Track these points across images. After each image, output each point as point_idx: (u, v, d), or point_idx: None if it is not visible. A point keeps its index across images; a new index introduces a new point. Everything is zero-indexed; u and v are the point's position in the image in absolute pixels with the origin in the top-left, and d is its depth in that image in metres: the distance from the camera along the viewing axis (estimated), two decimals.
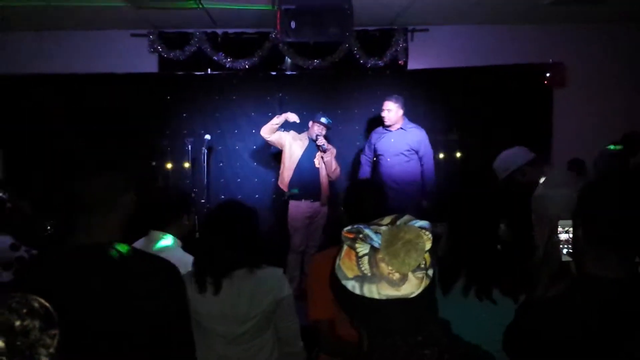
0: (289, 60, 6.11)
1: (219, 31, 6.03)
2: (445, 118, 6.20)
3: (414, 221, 1.11)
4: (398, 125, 5.28)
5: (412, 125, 5.35)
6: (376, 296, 1.08)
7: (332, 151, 5.38)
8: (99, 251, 1.51)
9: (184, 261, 2.30)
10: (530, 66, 6.22)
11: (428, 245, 1.08)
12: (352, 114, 6.19)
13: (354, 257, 1.10)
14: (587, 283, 1.35)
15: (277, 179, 5.61)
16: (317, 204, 5.29)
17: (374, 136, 5.45)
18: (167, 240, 2.58)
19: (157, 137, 6.09)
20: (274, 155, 6.06)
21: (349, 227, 1.13)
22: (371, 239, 1.09)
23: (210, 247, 2.12)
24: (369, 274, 1.08)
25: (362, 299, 1.09)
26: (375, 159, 5.45)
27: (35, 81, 5.91)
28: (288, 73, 6.18)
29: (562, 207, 2.59)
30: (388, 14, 5.73)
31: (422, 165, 5.30)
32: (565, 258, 1.51)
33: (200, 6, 5.05)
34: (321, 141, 5.23)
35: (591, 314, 1.29)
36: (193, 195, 5.89)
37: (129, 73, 6.01)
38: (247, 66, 6.04)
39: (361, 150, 5.72)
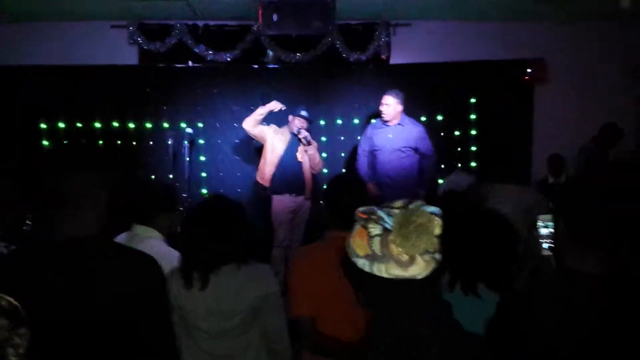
0: (271, 53, 6.07)
1: (200, 23, 5.97)
2: (427, 113, 6.22)
3: (426, 206, 1.16)
4: (396, 121, 5.20)
5: (409, 121, 5.28)
6: (385, 275, 1.13)
7: (314, 144, 5.36)
8: (76, 246, 1.48)
9: (170, 256, 2.26)
10: (511, 62, 6.27)
11: (438, 231, 1.14)
12: (334, 108, 6.18)
13: (365, 237, 1.16)
14: (567, 277, 1.36)
15: (256, 174, 5.56)
16: (300, 198, 5.27)
17: (371, 129, 5.38)
18: (151, 234, 2.54)
19: (138, 130, 6.01)
20: (257, 149, 6.02)
21: (362, 208, 1.19)
22: (384, 221, 1.14)
23: (198, 242, 2.09)
24: (379, 254, 1.13)
25: (371, 276, 1.14)
26: (371, 152, 5.36)
27: (12, 73, 5.80)
28: (270, 66, 6.15)
29: None
30: (371, 8, 5.72)
31: (422, 160, 5.27)
32: (546, 252, 1.52)
33: None
34: (304, 134, 5.21)
35: (570, 309, 1.30)
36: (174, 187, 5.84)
37: (109, 65, 5.93)
38: (228, 59, 5.99)
39: (354, 148, 5.65)
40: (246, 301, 2.08)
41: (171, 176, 5.87)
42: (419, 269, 1.13)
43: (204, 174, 6.14)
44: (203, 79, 6.08)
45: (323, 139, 6.06)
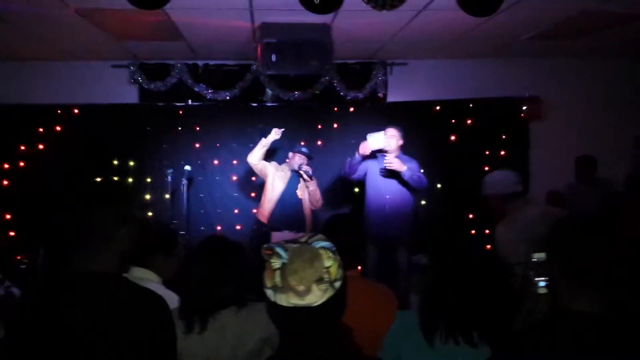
0: (269, 91, 6.15)
1: (200, 63, 6.06)
2: (423, 150, 6.27)
3: (318, 242, 1.33)
4: (396, 154, 5.21)
5: (406, 158, 5.27)
6: (285, 304, 1.27)
7: (314, 181, 5.39)
8: (93, 281, 1.51)
9: (168, 299, 2.23)
10: (507, 100, 6.35)
11: (328, 263, 1.28)
12: (332, 146, 6.22)
13: (271, 270, 1.30)
14: (562, 317, 1.35)
15: (256, 212, 5.56)
16: (300, 234, 5.24)
17: (373, 162, 5.31)
18: (148, 277, 2.46)
19: (137, 168, 6.04)
20: (255, 186, 6.05)
21: (266, 245, 1.33)
22: (280, 256, 1.29)
23: (196, 285, 2.07)
24: (280, 285, 1.27)
25: (277, 305, 1.28)
26: (366, 181, 5.32)
27: (13, 112, 5.86)
28: (269, 104, 6.22)
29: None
30: (367, 48, 5.83)
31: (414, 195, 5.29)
32: (542, 290, 1.52)
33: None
34: (305, 168, 5.24)
35: (568, 350, 1.29)
36: (172, 226, 5.82)
37: (110, 104, 6.00)
38: (227, 97, 6.06)
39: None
40: (246, 346, 2.04)
41: (170, 213, 5.86)
42: (315, 297, 1.26)
43: (202, 211, 6.14)
44: (202, 117, 6.15)
45: (321, 176, 6.09)
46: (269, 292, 1.30)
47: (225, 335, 2.02)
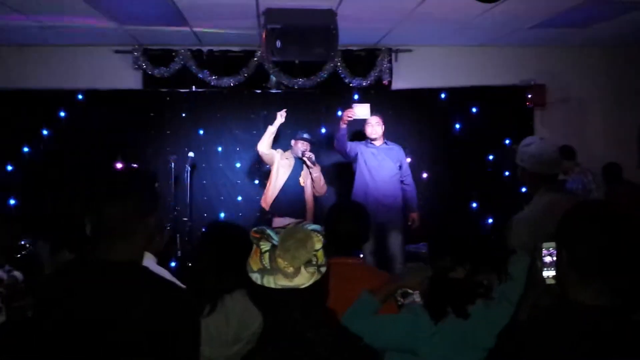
0: (274, 78, 6.11)
1: (204, 49, 6.03)
2: (429, 138, 6.25)
3: (308, 225, 1.36)
4: (381, 141, 5.31)
5: (393, 144, 5.40)
6: (273, 286, 1.29)
7: (318, 167, 5.38)
8: (116, 270, 1.49)
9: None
10: (512, 88, 6.33)
11: (318, 245, 1.31)
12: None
13: (258, 254, 1.32)
14: (568, 309, 1.34)
15: (261, 197, 5.57)
16: (297, 221, 5.25)
17: (362, 145, 5.37)
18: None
19: (140, 154, 6.03)
20: (258, 173, 6.04)
21: (255, 228, 1.36)
22: (272, 238, 1.32)
23: (204, 271, 2.10)
24: (269, 267, 1.30)
25: (262, 288, 1.30)
26: (357, 166, 5.34)
27: (17, 96, 5.85)
28: (273, 91, 6.19)
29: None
30: (373, 35, 5.79)
31: (403, 180, 5.33)
32: (550, 281, 1.51)
33: None
34: (309, 154, 5.24)
35: (571, 342, 1.27)
36: (175, 213, 5.84)
37: (113, 89, 5.98)
38: (232, 84, 6.03)
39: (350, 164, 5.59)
40: (250, 327, 2.06)
41: (172, 200, 5.86)
42: (303, 279, 1.29)
43: (205, 198, 6.14)
44: (206, 104, 6.12)
45: (324, 163, 6.07)
46: (255, 276, 1.31)
47: (229, 318, 2.06)
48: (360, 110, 5.12)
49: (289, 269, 1.28)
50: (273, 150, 5.35)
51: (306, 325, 1.30)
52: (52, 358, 1.46)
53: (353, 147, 5.28)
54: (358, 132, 5.59)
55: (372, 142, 5.32)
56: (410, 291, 2.15)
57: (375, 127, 5.25)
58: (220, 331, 2.05)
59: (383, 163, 5.25)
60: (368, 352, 1.43)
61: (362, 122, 5.29)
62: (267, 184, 5.40)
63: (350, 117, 5.10)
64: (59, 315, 1.46)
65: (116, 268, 1.50)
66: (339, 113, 6.16)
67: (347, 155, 5.32)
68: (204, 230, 2.37)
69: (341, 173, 6.12)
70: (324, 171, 5.54)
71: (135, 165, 5.62)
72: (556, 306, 1.37)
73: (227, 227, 2.25)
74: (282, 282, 1.29)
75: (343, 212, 2.40)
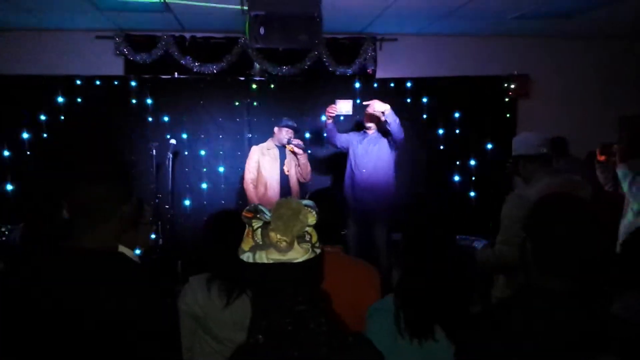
0: (257, 65, 6.08)
1: (187, 35, 5.97)
2: (411, 127, 6.26)
3: (301, 200, 1.34)
4: (374, 130, 5.27)
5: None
6: (265, 260, 1.27)
7: (305, 154, 5.38)
8: (88, 257, 1.47)
9: None
10: (495, 78, 6.36)
11: (311, 220, 1.29)
12: (319, 121, 6.19)
13: (250, 233, 1.30)
14: (531, 293, 1.39)
15: (242, 185, 5.51)
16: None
17: (356, 135, 5.37)
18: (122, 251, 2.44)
19: (121, 141, 5.97)
20: (242, 160, 6.03)
21: (248, 207, 1.34)
22: (265, 214, 1.30)
23: (222, 256, 2.11)
24: (261, 243, 1.28)
25: (253, 265, 1.28)
26: (348, 156, 5.34)
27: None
28: (256, 79, 6.16)
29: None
30: (357, 23, 5.77)
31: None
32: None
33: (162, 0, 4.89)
34: (296, 141, 5.24)
35: (531, 325, 1.32)
36: (157, 200, 5.81)
37: (94, 75, 5.91)
38: (215, 71, 5.99)
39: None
40: None
41: (154, 187, 5.83)
42: (297, 254, 1.27)
43: (187, 186, 6.11)
44: (189, 91, 6.07)
45: (308, 151, 6.07)
46: (246, 255, 1.29)
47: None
48: (343, 106, 5.13)
49: (282, 243, 1.26)
50: (254, 163, 5.30)
51: (297, 301, 1.27)
52: (17, 349, 1.44)
53: (345, 139, 5.33)
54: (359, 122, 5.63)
55: (367, 131, 5.29)
56: None
57: (371, 117, 5.18)
58: (245, 315, 2.06)
59: (370, 150, 5.19)
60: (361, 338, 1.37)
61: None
62: (257, 181, 5.32)
63: (333, 113, 5.10)
64: (24, 305, 1.44)
65: (89, 255, 1.48)
66: (323, 100, 6.17)
67: (340, 148, 5.39)
68: (210, 220, 2.35)
69: (325, 161, 6.15)
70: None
71: (112, 152, 5.57)
72: (520, 290, 1.43)
73: (234, 216, 2.24)
74: (274, 256, 1.27)
75: (322, 200, 2.39)
